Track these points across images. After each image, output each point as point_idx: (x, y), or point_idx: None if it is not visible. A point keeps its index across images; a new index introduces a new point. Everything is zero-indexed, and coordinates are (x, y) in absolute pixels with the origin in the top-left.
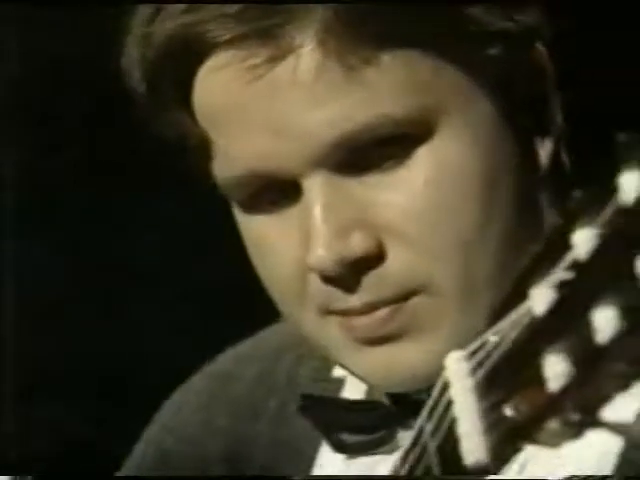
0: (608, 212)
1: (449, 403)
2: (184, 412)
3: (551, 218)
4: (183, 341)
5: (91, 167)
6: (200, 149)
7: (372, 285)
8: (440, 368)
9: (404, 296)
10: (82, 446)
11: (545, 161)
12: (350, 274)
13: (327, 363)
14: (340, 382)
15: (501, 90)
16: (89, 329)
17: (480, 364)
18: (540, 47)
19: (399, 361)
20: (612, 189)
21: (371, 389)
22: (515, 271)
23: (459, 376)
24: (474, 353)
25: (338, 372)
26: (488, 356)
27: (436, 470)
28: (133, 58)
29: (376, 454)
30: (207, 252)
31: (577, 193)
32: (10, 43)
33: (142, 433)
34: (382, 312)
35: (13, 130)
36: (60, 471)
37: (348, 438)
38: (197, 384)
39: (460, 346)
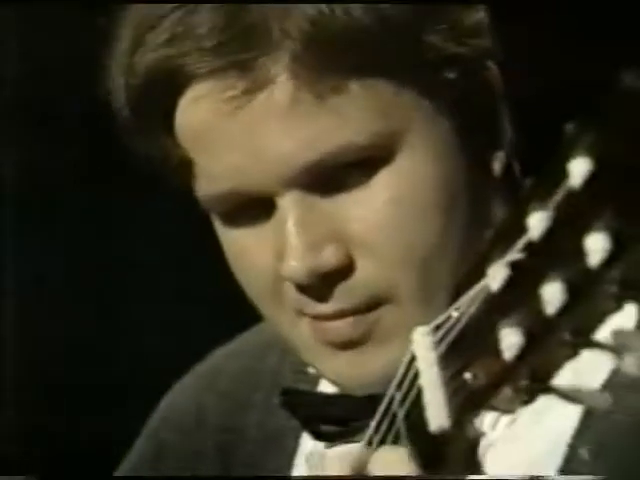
0: (559, 196)
1: (415, 374)
2: (178, 405)
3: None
4: (181, 341)
5: (91, 167)
6: (181, 167)
7: (342, 294)
8: None
9: (371, 305)
10: (80, 445)
11: (498, 170)
12: (321, 284)
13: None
14: (317, 377)
15: (457, 109)
16: (87, 327)
17: (443, 337)
18: (492, 65)
19: (363, 365)
20: (562, 175)
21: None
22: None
23: (424, 349)
24: (438, 328)
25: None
26: (450, 330)
27: (404, 436)
28: (117, 84)
29: (352, 442)
30: (206, 251)
31: (530, 181)
32: (10, 43)
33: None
34: (350, 319)
35: (13, 130)
36: (59, 472)
37: (325, 429)
38: (189, 380)
39: None
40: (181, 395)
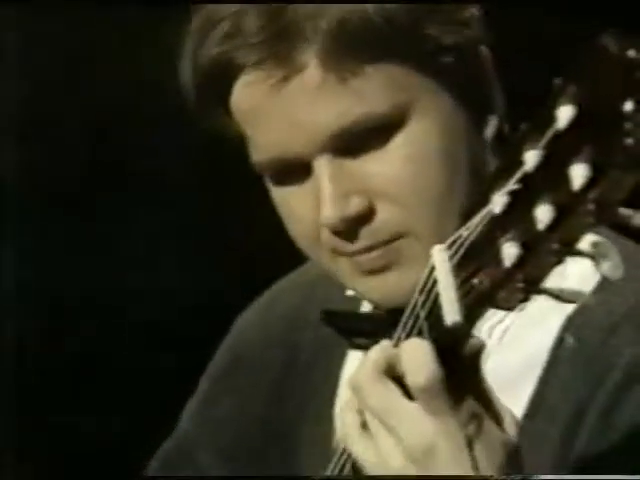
0: (548, 136)
1: (434, 282)
2: (248, 327)
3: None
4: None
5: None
6: (237, 139)
7: (367, 234)
8: None
9: (392, 240)
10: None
11: (490, 131)
12: (350, 227)
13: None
14: (359, 300)
15: (455, 84)
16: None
17: (456, 251)
18: (484, 49)
19: (390, 286)
20: (551, 120)
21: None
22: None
23: (441, 261)
24: (451, 244)
25: None
26: (461, 245)
27: (426, 331)
28: (186, 74)
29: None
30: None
31: (524, 125)
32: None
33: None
34: (377, 252)
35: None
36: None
37: (358, 340)
38: (256, 306)
39: None
40: (250, 318)
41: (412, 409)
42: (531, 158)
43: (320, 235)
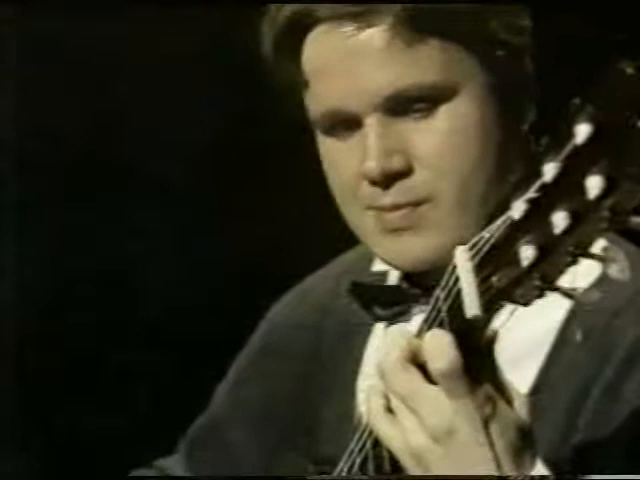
0: (567, 150)
1: (456, 279)
2: (281, 315)
3: (521, 164)
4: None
5: None
6: (301, 92)
7: (400, 191)
8: (436, 256)
9: (417, 203)
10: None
11: (524, 127)
12: (387, 181)
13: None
14: (383, 278)
15: (501, 78)
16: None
17: (477, 252)
18: (528, 60)
19: (409, 247)
20: (569, 136)
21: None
22: (500, 195)
23: (463, 260)
24: (473, 246)
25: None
26: (482, 247)
27: (446, 323)
28: (265, 31)
29: (399, 322)
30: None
31: (545, 139)
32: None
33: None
34: (403, 210)
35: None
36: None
37: (380, 311)
38: (289, 297)
39: (454, 242)
40: (281, 307)
41: (434, 392)
42: (550, 170)
43: (357, 187)
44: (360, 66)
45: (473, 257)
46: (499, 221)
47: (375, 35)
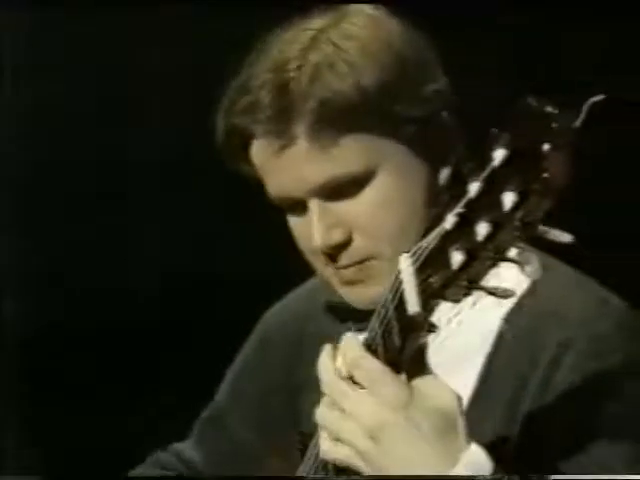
0: (486, 172)
1: (400, 282)
2: (274, 316)
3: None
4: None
5: None
6: (257, 178)
7: (346, 256)
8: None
9: (363, 260)
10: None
11: (445, 177)
12: (333, 251)
13: None
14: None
15: (418, 146)
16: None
17: (417, 258)
18: (445, 115)
19: (361, 294)
20: (488, 159)
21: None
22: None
23: (406, 265)
24: (414, 253)
25: None
26: (421, 254)
27: (393, 319)
28: (219, 127)
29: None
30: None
31: (469, 164)
32: None
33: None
34: (353, 269)
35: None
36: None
37: (351, 325)
38: (279, 303)
39: None
40: (275, 311)
41: (359, 394)
42: (474, 188)
43: (316, 253)
44: (292, 169)
45: (414, 263)
46: (434, 232)
47: (297, 147)
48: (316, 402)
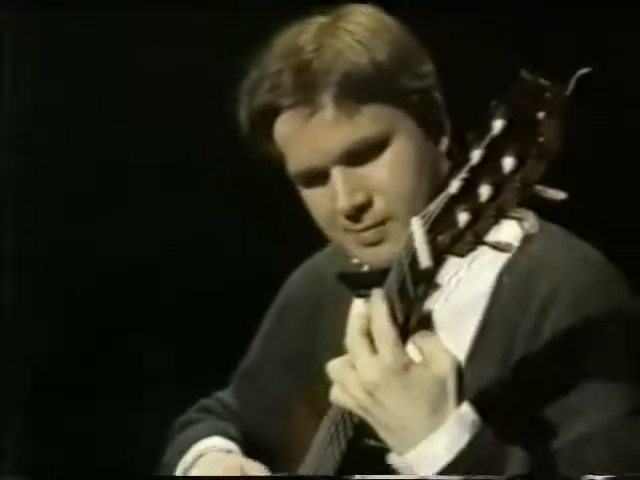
0: (487, 140)
1: (413, 240)
2: (295, 282)
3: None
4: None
5: None
6: (279, 158)
7: (367, 217)
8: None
9: (382, 222)
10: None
11: (444, 146)
12: (355, 213)
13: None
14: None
15: (420, 116)
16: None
17: (427, 220)
18: (437, 94)
19: (382, 254)
20: (488, 129)
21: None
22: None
23: (417, 226)
24: (424, 216)
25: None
26: (430, 216)
27: (408, 273)
28: (242, 115)
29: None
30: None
31: (471, 133)
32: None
33: None
34: (373, 230)
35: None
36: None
37: (362, 291)
38: (300, 269)
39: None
40: (296, 276)
41: (370, 347)
42: (476, 155)
43: (334, 219)
44: (318, 136)
45: (424, 224)
46: (441, 196)
47: (324, 113)
48: (333, 357)
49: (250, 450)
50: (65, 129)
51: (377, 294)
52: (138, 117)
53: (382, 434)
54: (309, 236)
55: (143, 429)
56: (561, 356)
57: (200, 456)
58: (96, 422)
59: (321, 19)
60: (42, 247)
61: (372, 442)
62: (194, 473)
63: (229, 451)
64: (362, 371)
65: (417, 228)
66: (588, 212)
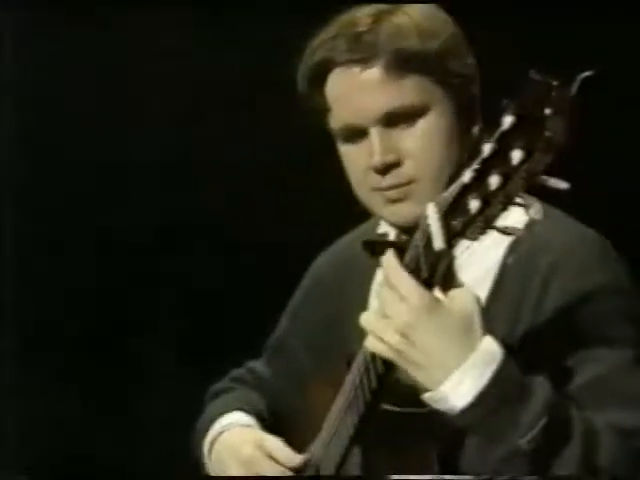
0: (498, 134)
1: (428, 225)
2: (324, 260)
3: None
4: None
5: None
6: (326, 112)
7: (395, 176)
8: (420, 216)
9: (407, 183)
10: None
11: (475, 134)
12: (386, 170)
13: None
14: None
15: (458, 98)
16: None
17: (442, 205)
18: (475, 84)
19: (405, 212)
20: (499, 124)
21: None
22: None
23: (432, 211)
24: (439, 202)
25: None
26: (445, 201)
27: (422, 252)
28: (301, 70)
29: None
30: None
31: (482, 129)
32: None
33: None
34: (398, 189)
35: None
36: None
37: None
38: (328, 250)
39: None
40: (325, 256)
41: (394, 296)
42: (487, 148)
43: (366, 176)
44: (364, 94)
45: (439, 210)
46: (455, 184)
47: (373, 74)
48: (359, 328)
49: (275, 421)
50: (65, 129)
51: (388, 257)
52: (138, 117)
53: (414, 374)
54: (307, 240)
55: (143, 429)
56: (565, 327)
57: (221, 432)
58: (96, 422)
59: (374, 9)
60: (42, 247)
61: (388, 407)
62: (216, 448)
63: (248, 426)
64: (394, 316)
65: (432, 213)
66: (590, 204)
